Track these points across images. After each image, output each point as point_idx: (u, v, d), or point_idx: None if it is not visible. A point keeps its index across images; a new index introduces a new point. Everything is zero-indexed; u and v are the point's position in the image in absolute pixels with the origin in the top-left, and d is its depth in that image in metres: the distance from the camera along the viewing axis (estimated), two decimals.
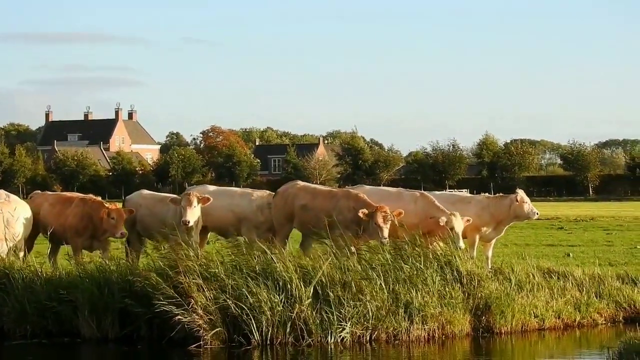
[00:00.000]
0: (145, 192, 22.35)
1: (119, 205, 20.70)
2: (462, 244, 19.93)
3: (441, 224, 19.92)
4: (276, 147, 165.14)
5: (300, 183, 21.59)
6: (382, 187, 22.43)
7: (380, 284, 17.76)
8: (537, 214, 21.75)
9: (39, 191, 22.80)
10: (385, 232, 19.24)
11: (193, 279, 17.33)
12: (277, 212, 20.79)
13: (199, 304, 17.06)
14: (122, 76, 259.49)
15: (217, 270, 17.55)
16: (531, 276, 19.48)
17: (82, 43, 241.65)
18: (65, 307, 18.20)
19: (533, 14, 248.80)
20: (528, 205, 21.38)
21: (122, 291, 17.94)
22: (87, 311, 17.97)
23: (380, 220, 19.27)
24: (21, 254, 20.15)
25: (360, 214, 19.35)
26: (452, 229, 19.98)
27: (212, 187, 22.40)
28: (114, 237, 20.32)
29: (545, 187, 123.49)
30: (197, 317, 17.01)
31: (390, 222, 19.36)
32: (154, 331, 17.84)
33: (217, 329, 17.08)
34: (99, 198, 21.43)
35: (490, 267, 20.20)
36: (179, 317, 17.00)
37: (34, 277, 18.78)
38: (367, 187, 22.00)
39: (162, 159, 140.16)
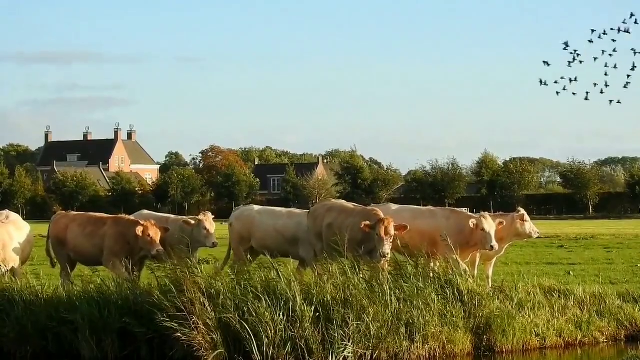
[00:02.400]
0: (146, 212, 22.44)
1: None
2: (494, 243, 20.01)
3: (471, 226, 20.01)
4: (275, 166, 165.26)
5: (331, 202, 21.57)
6: (412, 206, 22.32)
7: (383, 302, 17.71)
8: (538, 233, 21.82)
9: (64, 212, 22.68)
10: (386, 245, 19.14)
11: (196, 296, 17.29)
12: (309, 230, 20.83)
13: (201, 321, 17.02)
14: (119, 96, 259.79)
15: (220, 288, 17.51)
16: (532, 295, 19.46)
17: (78, 63, 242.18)
18: (65, 328, 18.15)
19: (530, 29, 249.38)
20: (529, 223, 21.45)
21: (122, 311, 17.90)
22: (87, 332, 17.93)
23: (381, 231, 19.20)
24: (20, 279, 19.93)
25: (362, 226, 19.30)
26: (482, 230, 20.04)
27: (257, 207, 22.55)
28: (150, 254, 20.11)
29: (545, 206, 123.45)
30: (198, 335, 16.96)
31: (392, 235, 19.29)
32: (154, 351, 17.79)
33: (218, 351, 17.02)
34: (132, 217, 21.28)
35: (490, 285, 20.20)
36: (179, 334, 16.93)
37: (34, 298, 18.75)
38: (395, 206, 21.80)
39: (162, 179, 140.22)
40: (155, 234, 20.02)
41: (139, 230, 19.94)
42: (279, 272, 17.83)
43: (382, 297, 17.76)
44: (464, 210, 21.30)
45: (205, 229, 20.98)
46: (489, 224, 20.19)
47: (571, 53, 18.96)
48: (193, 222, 21.11)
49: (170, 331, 17.12)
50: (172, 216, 22.36)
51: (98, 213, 21.99)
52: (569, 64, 18.96)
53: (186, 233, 21.02)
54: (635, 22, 18.54)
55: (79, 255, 21.12)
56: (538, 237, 23.33)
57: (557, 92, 19.18)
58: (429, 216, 20.98)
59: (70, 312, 18.10)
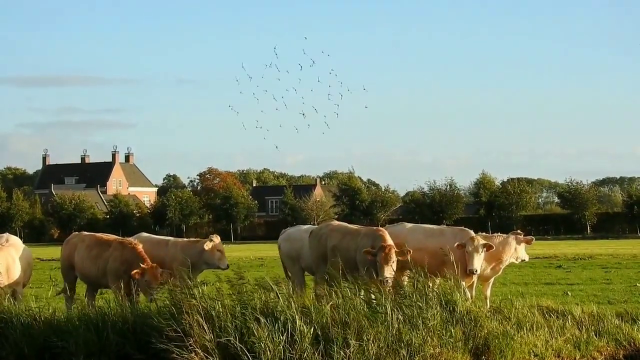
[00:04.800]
0: (145, 235, 22.35)
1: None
2: (473, 267, 20.01)
3: (455, 245, 20.10)
4: (273, 188, 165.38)
5: (335, 223, 21.57)
6: (424, 225, 22.42)
7: (383, 323, 17.67)
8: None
9: (77, 232, 22.60)
10: (386, 272, 19.17)
11: (194, 318, 17.25)
12: (312, 252, 20.82)
13: (199, 343, 16.97)
14: (117, 119, 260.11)
15: (219, 309, 17.47)
16: (530, 315, 19.46)
17: (76, 86, 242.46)
18: (63, 351, 18.11)
19: (527, 51, 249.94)
20: (523, 247, 21.67)
21: (120, 333, 17.86)
22: (83, 355, 17.87)
23: (382, 258, 19.22)
24: (20, 302, 19.95)
25: (364, 253, 19.34)
26: (467, 251, 20.10)
27: (305, 227, 22.59)
28: (145, 296, 19.71)
29: (543, 226, 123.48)
30: (196, 357, 16.90)
31: (393, 262, 19.30)
32: None
33: None
34: (140, 247, 20.71)
35: (489, 306, 20.21)
36: (177, 356, 16.87)
37: (32, 321, 18.72)
38: (409, 225, 21.94)
39: (160, 202, 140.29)
40: (153, 279, 19.48)
41: (136, 274, 19.52)
42: (277, 292, 17.81)
43: (383, 318, 17.73)
44: (471, 231, 21.30)
45: (220, 251, 20.90)
46: (474, 246, 20.22)
47: (237, 80, 19.74)
48: (211, 243, 20.94)
49: (168, 354, 17.07)
50: (172, 239, 22.28)
51: (107, 234, 21.83)
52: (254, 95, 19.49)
53: (195, 254, 20.94)
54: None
55: (85, 277, 21.11)
56: (536, 258, 23.45)
57: (243, 124, 19.78)
58: (439, 235, 21.09)
59: (68, 335, 18.05)
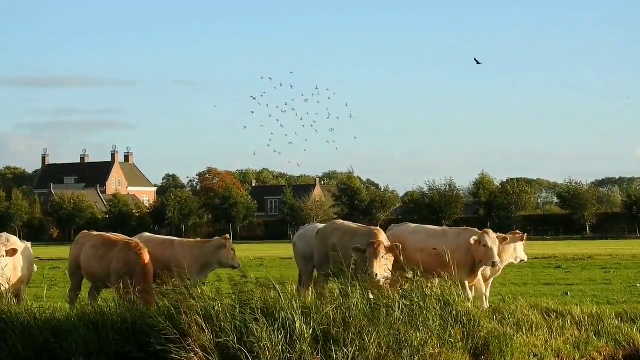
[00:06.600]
0: (147, 235, 22.25)
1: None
2: (497, 259, 20.07)
3: (472, 242, 20.05)
4: (273, 188, 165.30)
5: (338, 222, 21.58)
6: (429, 226, 22.38)
7: (383, 323, 17.66)
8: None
9: (86, 231, 22.50)
10: (375, 267, 19.12)
11: (193, 318, 17.24)
12: (316, 250, 20.87)
13: (198, 344, 16.95)
14: (116, 119, 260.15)
15: (218, 309, 17.46)
16: (530, 315, 19.46)
17: (75, 86, 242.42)
18: (62, 351, 18.10)
19: (526, 52, 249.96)
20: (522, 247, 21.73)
21: (120, 333, 17.85)
22: (82, 354, 17.87)
23: (370, 253, 19.21)
24: (22, 301, 19.95)
25: (353, 250, 19.34)
26: (484, 245, 20.07)
27: (321, 225, 22.42)
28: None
29: (542, 226, 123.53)
30: (195, 357, 16.88)
31: (383, 257, 19.28)
32: None
33: None
34: (145, 253, 20.42)
35: (488, 305, 20.21)
36: (175, 356, 16.86)
37: (31, 321, 18.71)
38: (412, 225, 21.96)
39: (159, 201, 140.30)
40: (148, 296, 19.32)
41: (128, 295, 19.30)
42: (279, 292, 17.79)
43: (384, 318, 17.71)
44: (475, 229, 21.24)
45: (233, 250, 21.01)
46: (492, 239, 20.24)
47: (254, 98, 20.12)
48: (227, 242, 20.96)
49: (167, 354, 17.05)
50: (177, 239, 22.17)
51: (116, 234, 21.73)
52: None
53: (209, 254, 20.91)
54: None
55: (90, 276, 21.08)
56: (535, 258, 23.48)
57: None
58: (441, 236, 21.06)
59: (67, 334, 18.04)
